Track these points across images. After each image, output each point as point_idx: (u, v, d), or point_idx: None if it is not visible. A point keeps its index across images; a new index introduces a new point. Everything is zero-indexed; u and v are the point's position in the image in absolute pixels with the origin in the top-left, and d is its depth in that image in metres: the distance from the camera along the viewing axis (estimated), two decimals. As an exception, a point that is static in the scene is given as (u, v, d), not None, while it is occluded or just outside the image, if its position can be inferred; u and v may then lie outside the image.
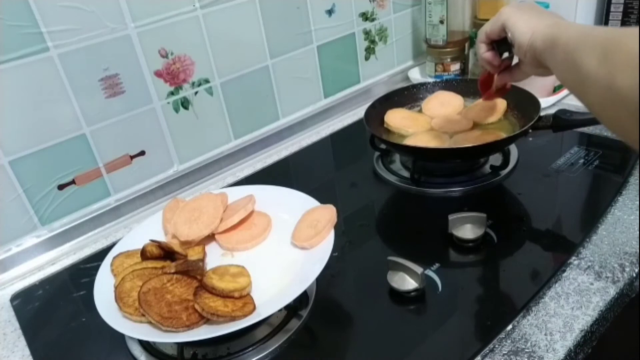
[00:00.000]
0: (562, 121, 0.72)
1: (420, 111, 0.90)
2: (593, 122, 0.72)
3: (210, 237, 0.64)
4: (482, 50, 0.66)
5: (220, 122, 0.92)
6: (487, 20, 1.05)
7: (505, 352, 0.49)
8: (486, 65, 0.67)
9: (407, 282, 0.57)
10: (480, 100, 0.84)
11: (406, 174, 0.81)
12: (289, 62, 0.98)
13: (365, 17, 1.08)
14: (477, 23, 1.09)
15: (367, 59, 1.12)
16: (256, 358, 0.53)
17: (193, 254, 0.61)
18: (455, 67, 1.11)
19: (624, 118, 0.37)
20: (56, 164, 0.75)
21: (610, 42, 0.40)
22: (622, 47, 0.38)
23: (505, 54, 0.66)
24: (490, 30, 0.63)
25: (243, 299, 0.52)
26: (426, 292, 0.57)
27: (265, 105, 0.98)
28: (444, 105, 0.88)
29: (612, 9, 1.07)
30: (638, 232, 0.62)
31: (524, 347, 0.50)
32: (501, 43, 0.64)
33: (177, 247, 0.60)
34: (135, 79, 0.79)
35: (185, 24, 0.81)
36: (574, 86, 0.46)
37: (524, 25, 0.57)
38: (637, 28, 0.37)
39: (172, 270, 0.55)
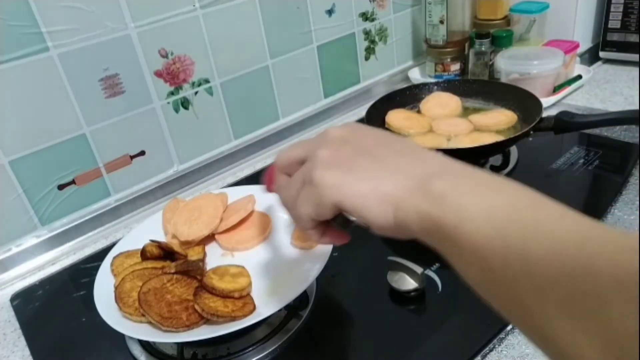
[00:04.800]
0: (564, 123, 0.72)
1: (419, 112, 0.90)
2: (595, 124, 0.72)
3: (210, 237, 0.64)
4: (309, 229, 0.40)
5: (220, 122, 0.92)
6: (487, 20, 1.07)
7: (506, 352, 0.49)
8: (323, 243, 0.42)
9: (407, 282, 0.57)
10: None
11: (406, 174, 0.81)
12: (289, 62, 0.98)
13: (365, 17, 1.08)
14: (477, 23, 1.09)
15: (367, 59, 1.12)
16: (256, 358, 0.53)
17: (193, 254, 0.61)
18: (455, 67, 1.11)
19: None
20: (56, 164, 0.75)
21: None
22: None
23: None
24: (318, 214, 0.37)
25: (243, 299, 0.52)
26: (426, 292, 0.57)
27: (265, 105, 0.98)
28: (443, 107, 0.88)
29: (612, 9, 1.07)
30: (638, 232, 0.62)
31: (524, 347, 0.50)
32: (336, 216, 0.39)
33: (177, 247, 0.60)
34: (135, 79, 0.79)
35: (185, 24, 0.81)
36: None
37: (374, 202, 0.33)
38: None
39: (172, 270, 0.55)
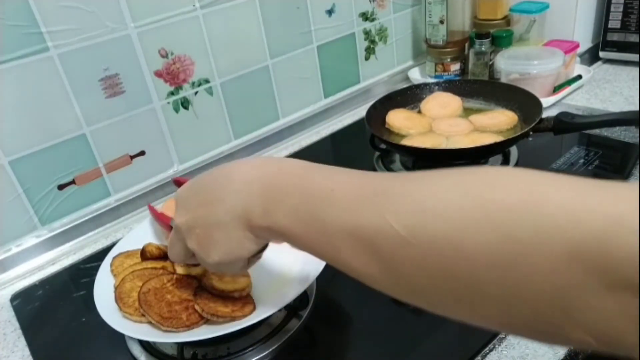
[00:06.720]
0: (564, 124, 0.72)
1: (420, 112, 0.90)
2: (595, 125, 0.72)
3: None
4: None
5: (220, 122, 0.92)
6: (487, 20, 1.07)
7: (506, 352, 0.49)
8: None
9: (407, 282, 0.56)
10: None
11: (406, 174, 0.81)
12: (289, 62, 0.98)
13: (365, 17, 1.08)
14: (477, 23, 1.09)
15: (367, 59, 1.12)
16: (256, 358, 0.53)
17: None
18: (455, 67, 1.11)
19: None
20: (56, 164, 0.75)
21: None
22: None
23: None
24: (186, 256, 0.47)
25: (243, 299, 0.52)
26: (426, 292, 0.57)
27: (265, 105, 0.98)
28: (443, 107, 0.88)
29: (612, 9, 1.07)
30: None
31: (524, 347, 0.50)
32: None
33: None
34: (135, 79, 0.79)
35: (185, 24, 0.81)
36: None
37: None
38: None
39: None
